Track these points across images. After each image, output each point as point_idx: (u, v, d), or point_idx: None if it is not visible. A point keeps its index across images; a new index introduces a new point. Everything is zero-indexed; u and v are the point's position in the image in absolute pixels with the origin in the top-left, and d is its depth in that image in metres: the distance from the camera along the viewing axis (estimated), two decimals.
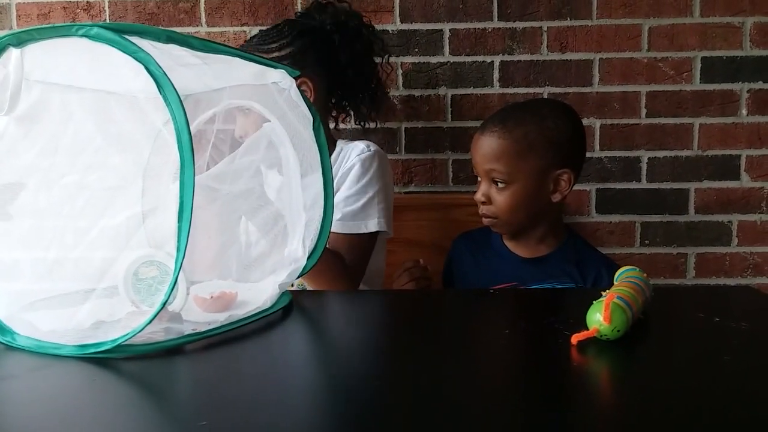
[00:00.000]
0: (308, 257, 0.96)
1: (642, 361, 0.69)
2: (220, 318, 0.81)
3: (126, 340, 0.69)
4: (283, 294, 0.91)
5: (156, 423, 0.58)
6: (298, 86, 1.20)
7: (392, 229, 1.34)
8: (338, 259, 1.21)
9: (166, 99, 0.69)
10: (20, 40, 0.74)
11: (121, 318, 0.78)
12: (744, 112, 1.64)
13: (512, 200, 1.15)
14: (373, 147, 1.34)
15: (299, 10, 1.60)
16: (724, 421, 0.52)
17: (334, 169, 1.30)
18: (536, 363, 0.68)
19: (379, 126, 1.64)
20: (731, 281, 1.69)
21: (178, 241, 0.69)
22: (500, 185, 1.16)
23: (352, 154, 1.31)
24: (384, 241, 1.38)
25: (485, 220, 1.19)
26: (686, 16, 1.63)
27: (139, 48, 0.69)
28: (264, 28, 1.37)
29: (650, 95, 1.65)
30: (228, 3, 1.63)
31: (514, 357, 0.71)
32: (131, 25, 0.71)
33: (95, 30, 0.69)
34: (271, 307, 0.87)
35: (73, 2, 1.64)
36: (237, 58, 0.86)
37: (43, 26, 0.74)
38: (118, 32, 0.69)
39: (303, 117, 0.96)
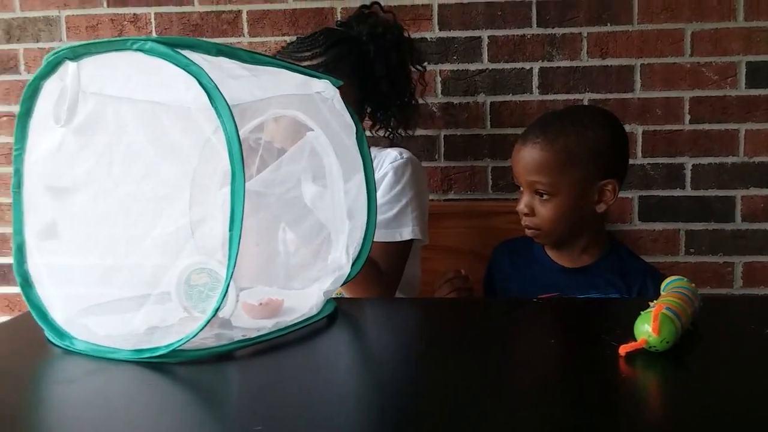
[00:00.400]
0: (352, 265, 0.97)
1: (692, 373, 0.68)
2: (267, 324, 0.82)
3: (180, 345, 0.71)
4: (327, 301, 0.92)
5: (211, 427, 0.59)
6: (345, 95, 1.23)
7: (427, 237, 1.34)
8: (374, 267, 1.22)
9: (217, 110, 0.71)
10: (76, 54, 0.76)
11: (173, 324, 0.80)
12: None
13: (556, 212, 1.14)
14: (406, 154, 1.34)
15: (339, 19, 1.62)
16: None
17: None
18: (583, 374, 0.68)
19: (417, 134, 1.65)
20: None
21: (229, 249, 0.71)
22: (544, 197, 1.15)
23: (385, 162, 1.32)
24: (419, 248, 1.38)
25: (528, 231, 1.18)
26: (730, 20, 1.60)
27: (191, 61, 0.71)
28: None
29: (694, 101, 1.62)
30: (269, 14, 1.66)
31: (560, 367, 0.71)
32: (183, 39, 0.74)
33: (149, 44, 0.71)
34: (317, 314, 0.88)
35: (120, 15, 1.69)
36: (283, 70, 0.88)
37: (99, 41, 0.76)
38: (171, 46, 0.72)
39: (346, 126, 0.97)
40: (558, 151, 1.13)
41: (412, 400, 0.62)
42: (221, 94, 0.70)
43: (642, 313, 0.71)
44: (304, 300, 0.90)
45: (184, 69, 0.71)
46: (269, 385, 0.68)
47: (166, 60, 0.71)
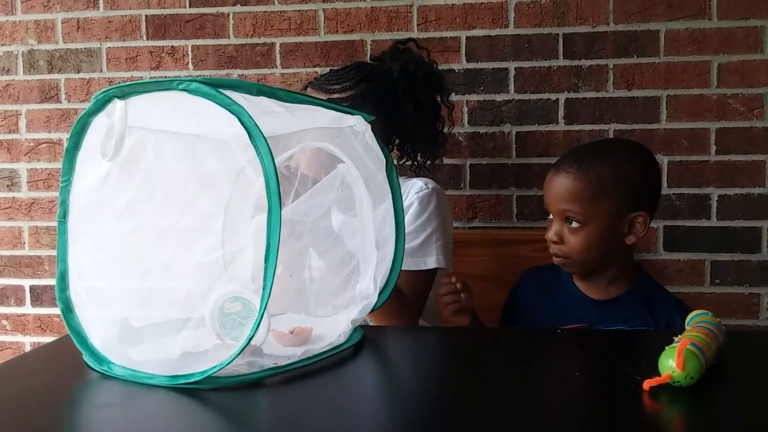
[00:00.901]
0: (379, 294, 0.99)
1: (715, 409, 0.69)
2: (297, 352, 0.85)
3: (214, 372, 0.74)
4: (355, 330, 0.95)
5: None
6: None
7: (451, 265, 1.36)
8: (399, 295, 1.24)
9: (256, 148, 0.74)
10: (124, 93, 0.81)
11: (207, 350, 0.83)
12: None
13: (586, 241, 1.15)
14: (431, 184, 1.37)
15: (372, 53, 1.66)
16: None
17: None
18: (607, 408, 0.69)
19: (443, 162, 1.68)
20: None
21: (264, 279, 0.73)
22: (574, 225, 1.15)
23: (411, 192, 1.35)
24: (442, 276, 1.40)
25: (556, 260, 1.19)
26: (756, 52, 1.61)
27: (233, 101, 0.75)
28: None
29: (720, 132, 1.63)
30: (301, 46, 1.71)
31: (583, 401, 0.72)
32: (225, 80, 0.78)
33: (194, 85, 0.76)
34: (345, 342, 0.91)
35: (159, 47, 1.75)
36: (318, 107, 0.92)
37: (147, 81, 0.81)
38: (214, 86, 0.76)
39: (377, 159, 1.01)
40: (592, 182, 1.14)
41: (433, 429, 0.64)
42: (261, 132, 0.74)
43: (666, 348, 0.73)
44: (332, 328, 0.93)
45: (226, 108, 0.75)
46: (299, 412, 0.70)
47: (210, 99, 0.75)
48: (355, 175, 0.99)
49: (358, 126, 0.99)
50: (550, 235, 1.17)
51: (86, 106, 0.83)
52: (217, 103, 0.75)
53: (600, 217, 1.14)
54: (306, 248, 0.99)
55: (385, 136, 1.37)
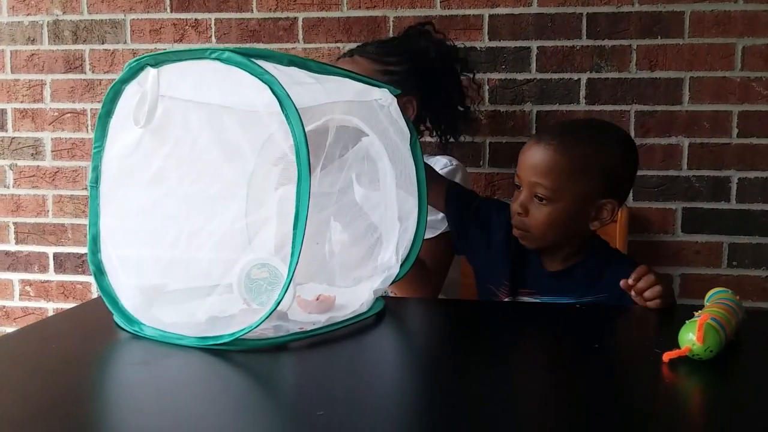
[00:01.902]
0: (401, 265, 1.01)
1: (734, 381, 0.71)
2: (321, 319, 0.87)
3: (242, 334, 0.76)
4: (377, 300, 0.96)
5: (271, 409, 0.64)
6: (404, 104, 1.30)
7: None
8: (422, 266, 1.26)
9: (287, 116, 0.75)
10: (157, 61, 0.82)
11: (234, 314, 0.85)
12: None
13: (550, 219, 1.11)
14: (454, 162, 1.41)
15: (391, 27, 1.67)
16: None
17: None
18: (626, 379, 0.71)
19: (464, 140, 1.68)
20: None
21: (293, 247, 0.75)
22: (543, 201, 1.11)
23: (436, 168, 1.36)
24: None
25: (516, 232, 1.15)
26: None
27: (265, 70, 0.76)
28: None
29: (742, 115, 1.62)
30: (324, 21, 1.72)
31: (604, 372, 0.74)
32: (257, 50, 0.79)
33: (227, 54, 0.77)
34: (367, 311, 0.93)
35: (183, 20, 1.76)
36: (347, 79, 0.93)
37: (180, 49, 0.82)
38: (247, 56, 0.77)
39: (401, 132, 1.02)
40: (572, 159, 1.10)
41: (451, 397, 0.66)
42: (292, 101, 0.75)
43: (687, 322, 0.74)
44: (355, 297, 0.95)
45: (258, 77, 0.76)
46: (322, 376, 0.72)
47: (242, 69, 0.76)
48: (380, 149, 1.00)
49: (383, 99, 1.00)
50: (515, 206, 1.13)
51: (110, 76, 0.85)
52: (249, 72, 0.76)
53: (570, 196, 1.10)
54: (329, 220, 1.01)
55: (420, 112, 1.42)
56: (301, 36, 1.73)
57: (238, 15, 1.74)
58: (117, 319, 0.86)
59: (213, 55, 0.77)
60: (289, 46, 1.73)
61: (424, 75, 1.41)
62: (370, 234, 1.02)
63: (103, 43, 1.80)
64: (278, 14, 1.73)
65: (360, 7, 1.70)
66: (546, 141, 1.12)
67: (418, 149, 1.03)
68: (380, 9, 1.70)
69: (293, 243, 0.75)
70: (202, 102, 0.92)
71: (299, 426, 0.59)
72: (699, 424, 0.61)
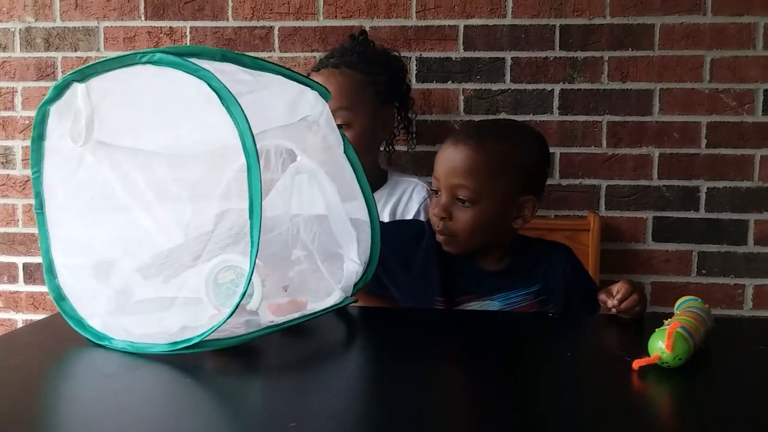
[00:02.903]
0: (365, 269, 1.01)
1: (702, 389, 0.72)
2: (293, 317, 0.87)
3: (211, 332, 0.75)
4: (346, 298, 0.96)
5: (245, 423, 0.64)
6: (388, 116, 1.39)
7: None
8: None
9: (227, 108, 0.74)
10: (84, 75, 0.80)
11: (205, 323, 0.84)
12: None
13: (475, 221, 1.09)
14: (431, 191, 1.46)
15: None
16: None
17: (393, 201, 1.45)
18: (596, 386, 0.72)
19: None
20: None
21: (251, 235, 0.74)
22: (465, 204, 1.09)
23: (414, 197, 1.44)
24: None
25: (440, 237, 1.13)
26: (749, 48, 1.64)
27: (199, 66, 0.74)
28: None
29: (711, 126, 1.66)
30: (300, 30, 1.72)
31: (575, 380, 0.75)
32: (189, 48, 0.77)
33: (158, 56, 0.75)
34: (339, 303, 0.93)
35: (157, 27, 1.75)
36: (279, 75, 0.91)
37: (106, 58, 0.78)
38: (179, 55, 0.75)
39: (336, 141, 1.00)
40: (490, 158, 1.09)
41: (419, 399, 0.66)
42: (230, 92, 0.73)
43: (656, 330, 0.75)
44: (326, 301, 0.95)
45: (193, 74, 0.74)
46: (294, 387, 0.72)
47: (176, 68, 0.74)
48: (314, 167, 0.99)
49: (312, 115, 0.96)
50: (437, 210, 1.10)
51: None
52: (183, 71, 0.74)
53: (492, 196, 1.09)
54: (286, 245, 0.99)
55: (391, 123, 1.51)
56: (277, 45, 1.73)
57: (214, 23, 1.74)
58: (84, 334, 0.85)
59: (143, 60, 0.75)
60: (265, 54, 1.72)
61: (398, 84, 1.49)
62: (333, 250, 1.01)
63: (75, 51, 1.78)
64: (254, 23, 1.73)
65: (336, 16, 1.71)
66: (463, 141, 1.11)
67: (352, 151, 1.02)
68: (356, 18, 1.71)
69: (251, 231, 0.74)
70: (129, 147, 0.88)
71: None
72: (666, 429, 0.62)
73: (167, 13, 1.75)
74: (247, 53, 1.67)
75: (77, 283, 0.87)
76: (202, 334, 0.76)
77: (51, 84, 1.74)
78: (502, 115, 1.70)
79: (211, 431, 0.59)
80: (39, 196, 0.85)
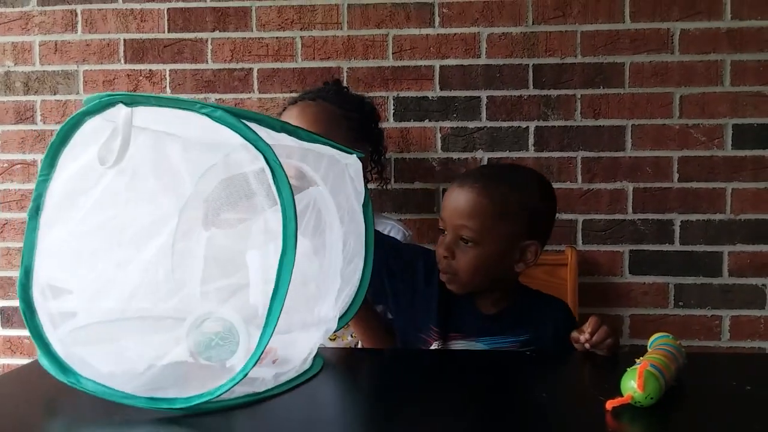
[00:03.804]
0: (340, 318, 1.01)
1: (674, 427, 0.73)
2: (268, 376, 0.85)
3: (203, 401, 0.73)
4: (317, 357, 0.96)
5: None
6: (362, 148, 1.31)
7: None
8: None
9: (278, 188, 0.74)
10: (135, 101, 0.77)
11: (178, 368, 0.82)
12: None
13: (477, 262, 1.12)
14: (407, 233, 1.52)
15: (345, 77, 1.71)
16: None
17: None
18: (570, 427, 0.72)
19: (417, 187, 1.72)
20: (767, 344, 1.69)
21: (268, 317, 0.74)
22: (469, 244, 1.12)
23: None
24: None
25: (443, 276, 1.16)
26: (717, 84, 1.69)
27: (259, 137, 0.74)
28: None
29: (682, 160, 1.70)
30: (279, 71, 1.75)
31: (548, 420, 0.75)
32: (249, 112, 0.77)
33: (219, 113, 0.74)
34: (311, 367, 0.92)
35: (137, 70, 1.77)
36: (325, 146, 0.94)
37: (166, 96, 0.77)
38: (238, 117, 0.75)
39: (356, 192, 1.02)
40: (495, 201, 1.12)
41: None
42: (284, 172, 0.74)
43: (628, 369, 0.76)
44: (296, 350, 0.93)
45: (252, 143, 0.74)
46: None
47: (234, 131, 0.74)
48: (329, 201, 1.00)
49: (342, 157, 1.00)
50: (441, 250, 1.14)
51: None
52: (241, 136, 0.74)
53: (494, 238, 1.12)
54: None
55: (365, 165, 1.47)
56: (256, 86, 1.75)
57: (193, 66, 1.76)
58: (51, 369, 0.79)
59: (203, 111, 0.74)
60: (244, 96, 1.75)
61: (371, 127, 1.52)
62: (308, 282, 1.01)
63: (55, 94, 1.79)
64: (233, 65, 1.75)
65: (314, 58, 1.74)
66: (469, 184, 1.14)
67: (370, 210, 1.04)
68: (334, 60, 1.74)
69: (269, 313, 0.74)
70: (145, 126, 0.84)
71: None
72: None
73: (146, 56, 1.77)
74: (227, 95, 1.72)
75: (52, 296, 0.82)
76: (189, 399, 0.73)
77: (30, 127, 1.77)
78: (479, 152, 1.73)
79: None
80: (38, 199, 0.80)
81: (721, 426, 0.74)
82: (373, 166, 1.58)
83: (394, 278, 1.23)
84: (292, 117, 1.39)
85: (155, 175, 0.89)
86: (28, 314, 0.81)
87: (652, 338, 0.92)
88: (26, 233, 0.81)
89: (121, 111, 0.77)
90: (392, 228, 1.49)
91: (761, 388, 0.83)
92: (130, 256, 0.88)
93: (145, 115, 0.79)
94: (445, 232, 1.15)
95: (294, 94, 1.71)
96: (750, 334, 1.70)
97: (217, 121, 0.74)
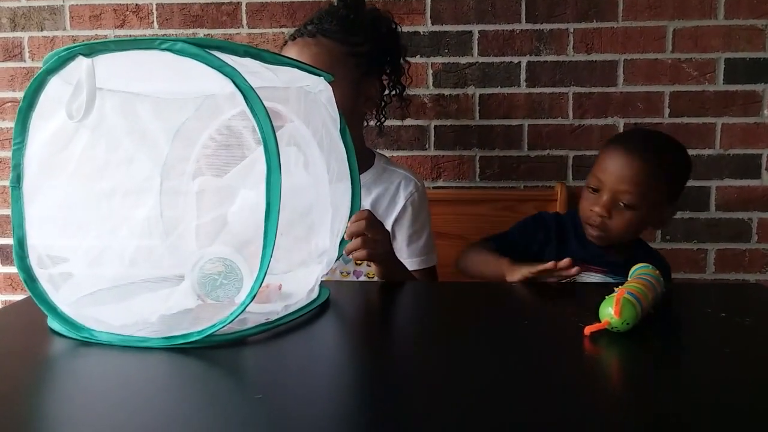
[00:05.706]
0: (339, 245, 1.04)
1: (647, 351, 0.76)
2: (277, 308, 0.88)
3: (214, 331, 0.76)
4: (322, 288, 0.99)
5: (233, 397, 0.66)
6: (368, 86, 1.33)
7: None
8: None
9: (252, 110, 0.73)
10: (92, 50, 0.76)
11: (189, 309, 0.85)
12: (766, 112, 1.69)
13: (631, 223, 1.21)
14: (419, 184, 1.43)
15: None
16: (722, 408, 0.59)
17: (378, 190, 1.39)
18: (550, 351, 0.76)
19: (409, 123, 1.72)
20: (750, 277, 1.74)
21: (265, 239, 0.74)
22: (624, 206, 1.20)
23: (401, 192, 1.40)
24: None
25: (593, 230, 1.23)
26: (710, 18, 1.67)
27: (224, 62, 0.74)
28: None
29: (674, 95, 1.70)
30: (268, 6, 1.72)
31: (529, 344, 0.78)
32: (211, 40, 0.76)
33: (180, 45, 0.72)
34: (317, 298, 0.95)
35: (123, 5, 1.74)
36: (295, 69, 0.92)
37: (122, 39, 0.77)
38: (202, 47, 0.74)
39: (331, 119, 1.01)
40: (657, 169, 1.19)
41: (392, 377, 0.70)
42: (256, 94, 0.73)
43: (606, 297, 0.79)
44: (300, 284, 0.96)
45: (217, 69, 0.73)
46: (284, 366, 0.75)
47: (198, 60, 0.73)
48: (307, 135, 0.99)
49: (311, 86, 0.97)
50: (599, 209, 1.20)
51: None
52: (206, 64, 0.73)
53: (649, 204, 1.20)
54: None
55: (378, 95, 1.41)
56: (245, 21, 1.73)
57: (181, 0, 1.73)
58: (59, 327, 0.81)
59: (164, 46, 0.72)
60: (233, 31, 1.72)
61: (384, 56, 1.39)
62: (302, 219, 1.02)
63: (41, 30, 1.77)
64: None
65: None
66: (632, 151, 1.20)
67: (347, 134, 1.04)
68: None
69: (265, 238, 0.74)
70: (115, 90, 0.86)
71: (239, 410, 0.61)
72: (614, 390, 0.66)
73: None
74: (215, 30, 1.69)
75: (51, 264, 0.83)
76: (202, 331, 0.75)
77: (19, 65, 1.75)
78: (470, 88, 1.72)
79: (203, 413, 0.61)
80: (17, 168, 0.80)
81: (693, 349, 0.77)
82: (391, 90, 1.46)
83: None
84: (290, 56, 1.32)
85: (130, 138, 0.89)
86: (30, 282, 0.81)
87: (633, 269, 0.95)
88: (12, 203, 0.81)
89: (82, 63, 0.76)
90: (403, 179, 1.41)
91: (735, 314, 0.86)
92: (120, 223, 0.89)
93: (108, 71, 0.78)
94: (599, 191, 1.22)
95: (284, 30, 1.70)
96: (734, 267, 1.74)
97: (179, 54, 0.72)
